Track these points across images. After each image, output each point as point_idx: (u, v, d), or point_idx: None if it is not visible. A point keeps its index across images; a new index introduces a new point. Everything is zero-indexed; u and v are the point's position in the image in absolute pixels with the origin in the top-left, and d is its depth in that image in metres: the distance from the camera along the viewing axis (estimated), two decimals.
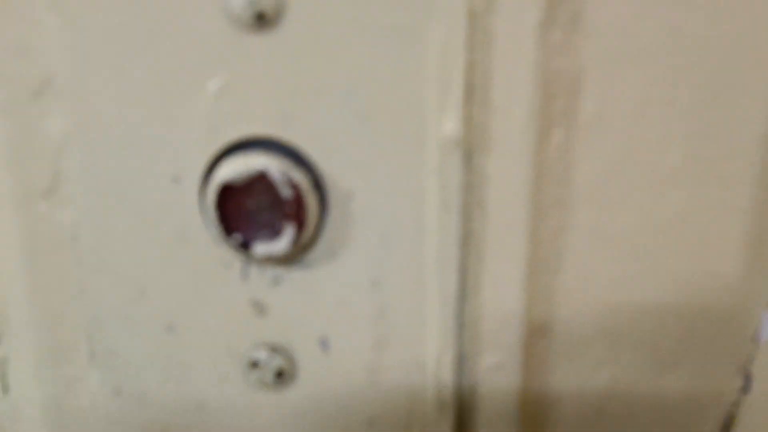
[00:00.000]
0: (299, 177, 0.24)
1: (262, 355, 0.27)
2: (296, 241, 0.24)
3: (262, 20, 0.23)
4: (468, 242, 0.25)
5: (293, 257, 0.25)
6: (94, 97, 0.25)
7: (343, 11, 0.23)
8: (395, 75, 0.24)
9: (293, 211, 0.24)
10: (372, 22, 0.23)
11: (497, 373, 0.27)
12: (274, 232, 0.24)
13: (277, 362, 0.27)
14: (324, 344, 0.26)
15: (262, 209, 0.24)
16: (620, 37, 0.24)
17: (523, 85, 0.24)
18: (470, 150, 0.24)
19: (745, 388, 0.27)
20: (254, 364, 0.27)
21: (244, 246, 0.25)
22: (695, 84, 0.24)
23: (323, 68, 0.24)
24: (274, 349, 0.27)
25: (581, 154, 0.25)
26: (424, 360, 0.26)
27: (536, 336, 0.27)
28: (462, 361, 0.27)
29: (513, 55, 0.24)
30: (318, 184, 0.25)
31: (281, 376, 0.27)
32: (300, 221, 0.24)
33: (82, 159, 0.25)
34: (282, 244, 0.24)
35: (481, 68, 0.24)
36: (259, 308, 0.26)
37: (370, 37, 0.23)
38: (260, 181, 0.24)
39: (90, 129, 0.25)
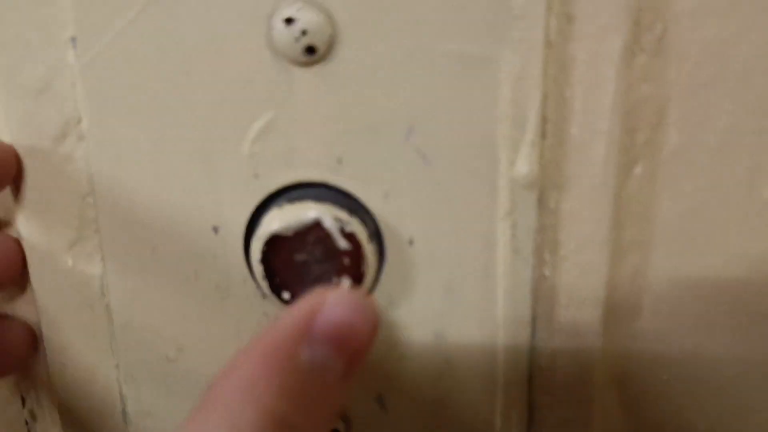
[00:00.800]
0: (355, 225, 0.22)
1: None
2: None
3: (311, 54, 0.21)
4: (540, 289, 0.23)
5: None
6: (122, 141, 0.22)
7: (403, 40, 0.21)
8: (462, 110, 0.21)
9: (350, 263, 0.22)
10: (435, 52, 0.21)
11: (569, 429, 0.25)
12: (327, 286, 0.22)
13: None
14: (381, 403, 0.24)
15: (315, 262, 0.22)
16: (708, 62, 0.22)
17: (603, 118, 0.21)
18: (544, 190, 0.22)
19: None
20: None
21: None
22: None
23: (380, 104, 0.21)
24: None
25: (664, 190, 0.23)
26: (493, 416, 0.24)
27: (612, 388, 0.24)
28: (531, 415, 0.25)
29: (593, 84, 0.21)
30: (375, 233, 0.22)
31: None
32: (357, 274, 0.22)
33: (110, 207, 0.23)
34: None
35: (557, 101, 0.21)
36: None
37: (433, 68, 0.21)
38: (313, 231, 0.22)
39: (118, 175, 0.22)
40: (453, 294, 0.23)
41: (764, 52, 0.21)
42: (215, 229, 0.23)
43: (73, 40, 0.21)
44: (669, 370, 0.24)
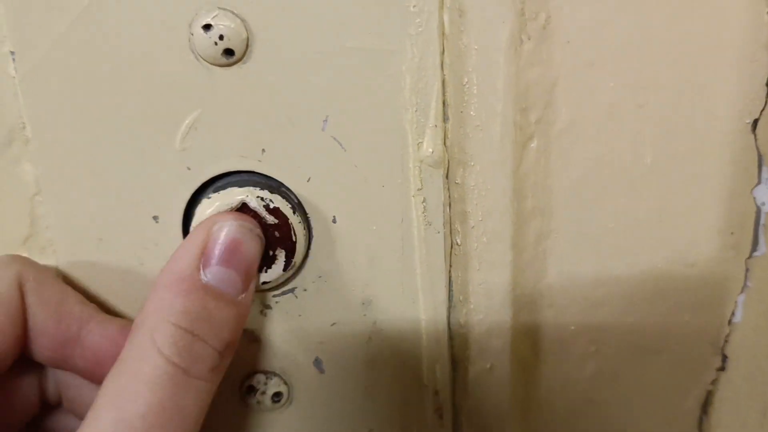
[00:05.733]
0: (278, 201, 0.24)
1: (258, 379, 0.27)
2: (288, 266, 0.24)
3: (229, 56, 0.23)
4: (453, 255, 0.26)
5: (284, 282, 0.26)
6: (64, 143, 0.24)
7: (313, 40, 0.23)
8: (371, 100, 0.24)
9: (280, 236, 0.24)
10: (343, 50, 0.23)
11: (488, 377, 0.27)
12: (267, 261, 0.24)
13: (274, 386, 0.27)
14: (318, 366, 0.27)
15: None
16: (588, 46, 0.24)
17: (498, 100, 0.24)
18: (450, 167, 0.25)
19: (723, 367, 0.28)
20: (251, 389, 0.27)
21: None
22: (663, 86, 0.24)
23: (296, 98, 0.24)
24: (269, 374, 0.27)
25: (559, 162, 0.25)
26: (419, 371, 0.27)
27: (523, 338, 0.27)
28: (455, 369, 0.27)
29: (485, 71, 0.24)
30: (299, 205, 0.25)
31: (278, 399, 0.27)
32: (290, 244, 0.24)
33: (57, 204, 0.25)
34: (276, 270, 0.24)
35: (455, 87, 0.24)
36: (252, 337, 0.26)
37: (342, 64, 0.23)
38: (243, 212, 0.24)
39: (63, 174, 0.24)
40: (376, 264, 0.26)
41: (637, 32, 0.24)
42: (155, 219, 0.25)
43: (12, 53, 0.23)
44: (575, 322, 0.27)
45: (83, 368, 0.23)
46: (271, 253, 0.24)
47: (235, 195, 0.24)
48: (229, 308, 0.22)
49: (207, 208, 0.24)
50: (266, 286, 0.25)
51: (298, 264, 0.25)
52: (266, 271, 0.24)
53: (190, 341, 0.20)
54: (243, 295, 0.22)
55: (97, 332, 0.23)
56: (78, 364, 0.23)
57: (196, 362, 0.20)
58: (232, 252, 0.22)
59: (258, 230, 0.23)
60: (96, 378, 0.23)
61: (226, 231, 0.22)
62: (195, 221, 0.24)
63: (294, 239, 0.25)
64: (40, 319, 0.23)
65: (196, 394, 0.20)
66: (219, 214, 0.23)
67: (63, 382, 0.24)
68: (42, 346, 0.23)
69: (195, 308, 0.21)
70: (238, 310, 0.22)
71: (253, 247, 0.23)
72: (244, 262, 0.22)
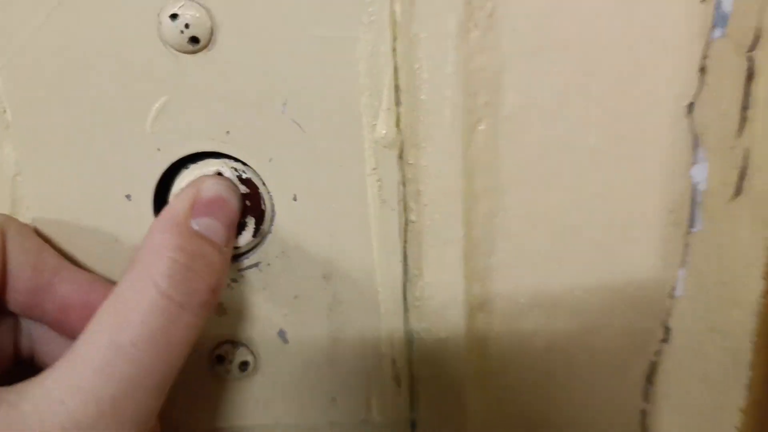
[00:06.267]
0: (250, 173, 0.26)
1: (225, 349, 0.29)
2: (257, 232, 0.26)
3: (195, 44, 0.24)
4: (408, 232, 0.27)
5: (249, 259, 0.27)
6: (42, 127, 0.26)
7: (273, 29, 0.24)
8: (328, 85, 0.25)
9: (251, 204, 0.26)
10: (301, 36, 0.25)
11: (443, 347, 0.29)
12: (237, 227, 0.26)
13: (241, 355, 0.29)
14: (282, 336, 0.29)
15: None
16: (534, 34, 0.26)
17: (447, 85, 0.26)
18: (403, 148, 0.26)
19: (666, 339, 0.30)
20: (219, 358, 0.29)
21: None
22: (605, 72, 0.26)
23: (258, 83, 0.25)
24: (236, 344, 0.29)
25: (507, 144, 0.27)
26: (377, 341, 0.29)
27: (476, 311, 0.29)
28: (411, 339, 0.29)
29: (435, 57, 0.25)
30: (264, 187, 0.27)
31: (245, 368, 0.29)
32: (259, 212, 0.26)
33: (37, 185, 0.27)
34: (246, 236, 0.26)
35: (407, 72, 0.25)
36: (220, 309, 0.28)
37: (301, 50, 0.25)
38: None
39: (41, 156, 0.26)
40: (335, 240, 0.27)
41: (580, 21, 0.26)
42: (128, 197, 0.26)
43: None
44: (526, 295, 0.29)
45: (53, 317, 0.25)
46: (242, 220, 0.26)
47: (210, 165, 0.26)
48: (217, 254, 0.24)
49: (188, 176, 0.26)
50: (236, 251, 0.27)
51: (266, 231, 0.27)
52: (237, 237, 0.26)
53: (185, 275, 0.22)
54: (226, 248, 0.25)
55: (67, 281, 0.25)
56: (48, 312, 0.25)
57: (190, 296, 0.22)
58: (218, 205, 0.25)
59: (238, 191, 0.26)
60: (64, 328, 0.25)
61: (213, 187, 0.25)
62: (174, 190, 0.26)
63: (263, 207, 0.26)
64: (18, 264, 0.24)
65: (186, 329, 0.22)
66: (204, 176, 0.26)
67: (36, 336, 0.26)
68: (17, 291, 0.25)
69: (190, 246, 0.23)
70: (223, 258, 0.24)
71: (235, 204, 0.25)
72: (228, 215, 0.25)
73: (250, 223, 0.26)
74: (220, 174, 0.26)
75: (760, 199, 0.27)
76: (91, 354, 0.21)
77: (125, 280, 0.23)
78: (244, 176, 0.26)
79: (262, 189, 0.26)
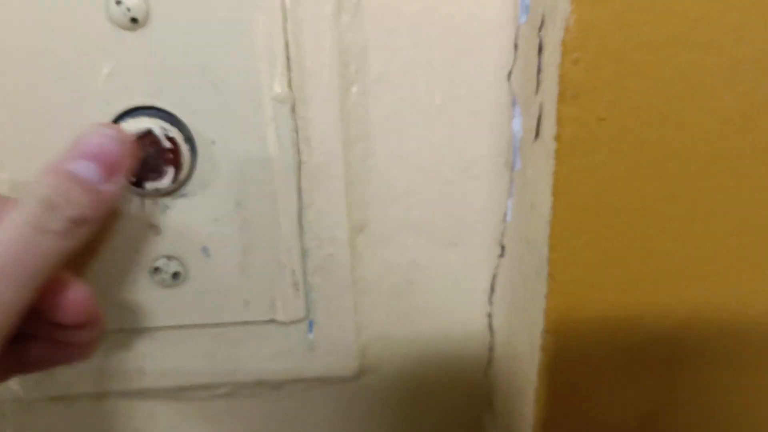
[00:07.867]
0: (175, 132, 0.34)
1: (161, 262, 0.37)
2: (175, 179, 0.34)
3: (135, 23, 0.33)
4: (302, 168, 0.36)
5: (175, 190, 0.35)
6: (9, 91, 0.34)
7: (193, 11, 0.33)
8: (236, 54, 0.34)
9: (172, 158, 0.34)
10: (216, 17, 0.33)
11: (332, 261, 0.38)
12: (159, 174, 0.34)
13: (173, 267, 0.37)
14: (205, 252, 0.37)
15: (150, 157, 0.34)
16: (389, 17, 0.35)
17: (325, 56, 0.34)
18: (294, 104, 0.35)
19: (502, 254, 0.39)
20: (156, 269, 0.37)
21: (138, 185, 0.34)
22: (446, 46, 0.35)
23: (185, 52, 0.34)
24: (170, 258, 0.37)
25: (374, 102, 0.36)
26: (279, 255, 0.37)
27: (357, 232, 0.38)
28: (306, 254, 0.38)
29: (316, 35, 0.34)
30: (188, 138, 0.35)
31: (177, 277, 0.37)
32: (177, 164, 0.34)
33: (9, 148, 0.35)
34: (165, 181, 0.34)
35: (295, 46, 0.34)
36: (155, 230, 0.36)
37: (215, 28, 0.33)
38: (147, 137, 0.34)
39: (8, 119, 0.34)
40: (245, 176, 0.36)
41: (424, 9, 0.35)
42: None
43: None
44: (394, 219, 0.38)
45: None
46: (164, 168, 0.34)
47: (144, 123, 0.34)
48: (86, 190, 0.29)
49: (127, 126, 0.34)
50: (160, 192, 0.35)
51: (183, 179, 0.35)
52: (159, 181, 0.34)
53: (47, 206, 0.28)
54: (106, 186, 0.30)
55: None
56: None
57: (48, 223, 0.27)
58: (94, 149, 0.30)
59: (122, 138, 0.31)
60: None
61: (91, 135, 0.30)
62: None
63: (181, 161, 0.34)
64: None
65: (43, 253, 0.27)
66: (95, 123, 0.32)
67: None
68: None
69: (56, 183, 0.29)
70: (98, 196, 0.30)
71: (113, 148, 0.30)
72: (105, 158, 0.30)
73: (170, 171, 0.34)
74: (151, 131, 0.34)
75: (550, 140, 0.36)
76: None
77: (12, 211, 0.27)
78: (170, 135, 0.34)
79: (183, 147, 0.34)
